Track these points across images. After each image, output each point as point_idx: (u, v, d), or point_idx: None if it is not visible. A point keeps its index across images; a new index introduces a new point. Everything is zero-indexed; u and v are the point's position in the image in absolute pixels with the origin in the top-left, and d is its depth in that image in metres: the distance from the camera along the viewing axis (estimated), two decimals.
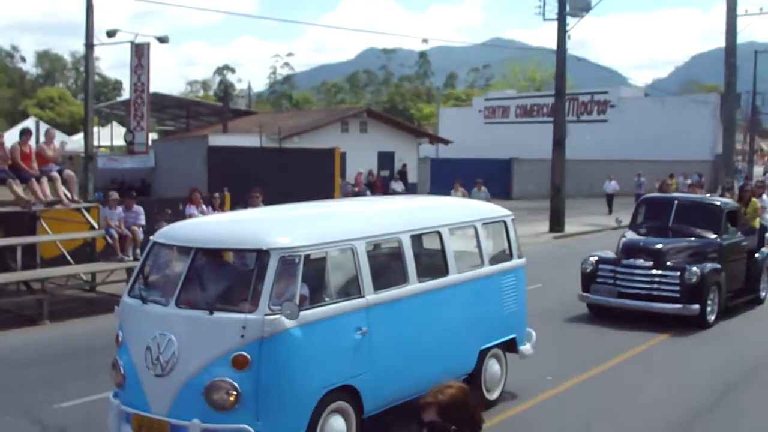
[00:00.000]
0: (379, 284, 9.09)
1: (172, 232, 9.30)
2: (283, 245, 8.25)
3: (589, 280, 16.85)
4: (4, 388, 11.94)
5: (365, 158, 45.27)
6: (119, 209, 18.94)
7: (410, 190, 42.23)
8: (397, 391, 9.48)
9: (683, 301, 15.79)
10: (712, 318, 16.22)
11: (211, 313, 8.05)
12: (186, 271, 8.47)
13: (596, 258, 17.03)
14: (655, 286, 16.08)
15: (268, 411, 7.87)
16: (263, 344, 7.83)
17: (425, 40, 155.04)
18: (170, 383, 8.01)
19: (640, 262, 16.37)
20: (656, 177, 42.83)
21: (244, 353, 7.79)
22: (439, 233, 10.26)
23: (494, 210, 11.87)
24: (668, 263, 16.23)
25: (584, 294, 16.95)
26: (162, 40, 30.97)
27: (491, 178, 50.62)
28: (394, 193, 37.53)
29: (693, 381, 12.62)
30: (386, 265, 9.70)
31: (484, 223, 11.15)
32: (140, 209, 19.31)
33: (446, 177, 35.99)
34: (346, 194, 35.39)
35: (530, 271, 11.97)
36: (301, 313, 7.98)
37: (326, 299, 8.75)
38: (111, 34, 29.61)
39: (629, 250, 16.77)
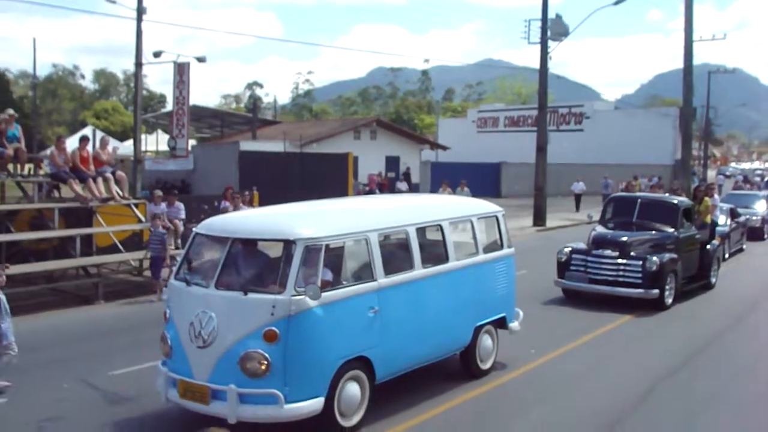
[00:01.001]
0: (389, 269, 9.08)
1: (212, 224, 9.32)
2: (307, 236, 8.26)
3: (563, 267, 16.83)
4: (64, 359, 11.98)
5: (375, 162, 45.19)
6: (163, 205, 18.97)
7: (413, 189, 42.15)
8: (404, 362, 9.49)
9: (645, 287, 15.77)
10: (669, 301, 16.18)
11: (246, 294, 8.08)
12: (224, 257, 8.48)
13: (570, 248, 17.00)
14: (621, 273, 16.04)
15: (294, 378, 7.89)
16: (290, 321, 7.85)
17: (427, 60, 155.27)
18: (210, 354, 8.04)
19: (608, 252, 16.36)
20: (622, 179, 42.86)
21: (273, 328, 7.82)
22: (440, 226, 10.25)
23: (488, 206, 11.80)
24: (632, 253, 16.20)
25: (559, 280, 16.93)
26: (200, 59, 30.93)
27: (483, 179, 50.79)
28: (399, 191, 37.45)
29: (654, 354, 12.62)
30: (395, 253, 9.67)
31: (479, 218, 11.12)
32: (181, 205, 19.35)
33: (444, 178, 35.92)
34: (358, 193, 35.36)
35: (516, 259, 11.95)
36: (323, 294, 8.02)
37: (344, 282, 8.76)
38: (157, 54, 29.58)
39: (598, 242, 16.75)
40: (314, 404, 8.02)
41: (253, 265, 8.81)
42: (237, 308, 8.10)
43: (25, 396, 10.13)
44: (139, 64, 28.20)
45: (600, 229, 17.60)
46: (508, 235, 11.67)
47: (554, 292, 17.10)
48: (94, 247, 18.48)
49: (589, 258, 16.48)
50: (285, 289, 7.91)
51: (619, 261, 16.12)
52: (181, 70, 29.61)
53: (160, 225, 17.18)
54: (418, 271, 9.57)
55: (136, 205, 19.64)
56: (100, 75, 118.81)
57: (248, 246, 8.95)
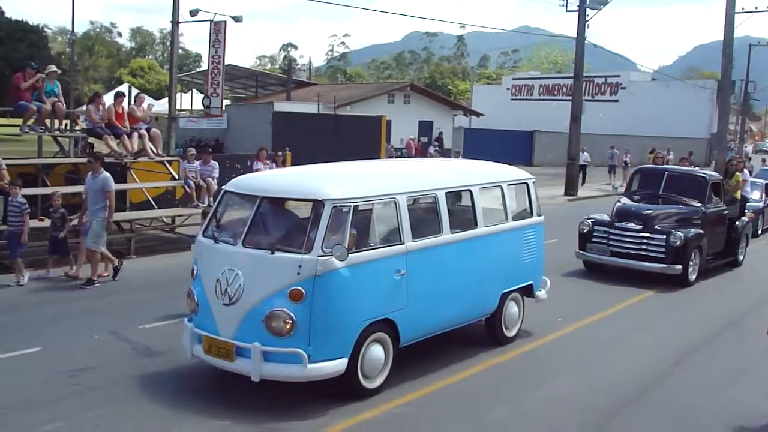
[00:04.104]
0: (417, 233, 9.01)
1: (242, 182, 9.30)
2: (335, 196, 8.21)
3: (585, 239, 16.45)
4: (96, 311, 12.11)
5: (408, 126, 45.14)
6: (196, 163, 19.03)
7: (445, 154, 42.02)
8: (429, 326, 9.46)
9: (668, 262, 15.43)
10: (693, 277, 15.86)
11: (273, 252, 8.06)
12: (252, 216, 8.46)
13: (592, 220, 16.58)
14: (644, 247, 15.66)
15: (319, 337, 7.89)
16: (316, 281, 7.83)
17: (463, 26, 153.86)
18: (236, 311, 8.06)
19: (631, 225, 15.94)
20: (627, 150, 42.31)
21: (299, 288, 7.81)
22: (470, 191, 10.15)
23: (519, 173, 11.66)
24: (656, 227, 15.80)
25: (580, 252, 16.59)
26: (237, 19, 30.76)
27: (516, 146, 50.43)
28: (431, 156, 37.35)
29: (676, 330, 12.50)
30: (424, 217, 9.60)
31: (509, 184, 10.99)
32: (215, 164, 19.40)
33: (477, 144, 35.79)
34: (390, 156, 35.32)
35: (546, 228, 11.83)
36: (349, 255, 7.98)
37: (371, 244, 8.72)
38: (193, 13, 29.44)
39: (622, 214, 16.34)
40: (338, 365, 8.03)
41: (281, 224, 8.77)
42: (263, 266, 8.09)
43: (58, 345, 10.25)
44: (175, 23, 28.14)
45: (624, 201, 17.17)
46: (538, 203, 11.54)
47: (581, 263, 16.92)
48: (128, 203, 18.56)
49: (612, 230, 16.07)
50: (312, 249, 7.88)
51: (643, 234, 15.73)
52: (217, 29, 29.47)
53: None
54: (447, 236, 9.49)
55: (170, 163, 19.70)
56: (137, 33, 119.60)
57: (277, 205, 8.90)
